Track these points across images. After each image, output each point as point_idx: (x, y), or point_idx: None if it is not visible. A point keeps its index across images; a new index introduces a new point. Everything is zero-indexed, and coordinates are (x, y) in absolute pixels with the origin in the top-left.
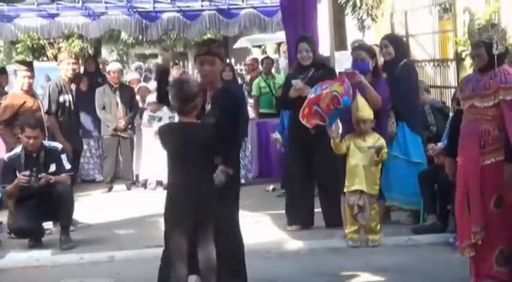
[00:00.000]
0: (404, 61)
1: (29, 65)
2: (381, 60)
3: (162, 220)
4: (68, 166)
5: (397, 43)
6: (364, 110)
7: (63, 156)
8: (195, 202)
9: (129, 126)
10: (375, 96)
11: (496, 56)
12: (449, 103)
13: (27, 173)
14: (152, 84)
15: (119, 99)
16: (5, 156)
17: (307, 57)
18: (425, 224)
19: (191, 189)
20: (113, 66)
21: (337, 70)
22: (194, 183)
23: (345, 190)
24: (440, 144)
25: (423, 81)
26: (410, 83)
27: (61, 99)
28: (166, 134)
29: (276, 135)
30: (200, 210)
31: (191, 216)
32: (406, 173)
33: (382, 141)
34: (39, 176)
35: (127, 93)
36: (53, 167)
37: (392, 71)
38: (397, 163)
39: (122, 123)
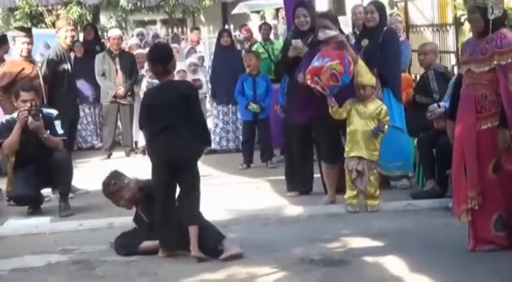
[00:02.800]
0: (386, 27)
1: (28, 31)
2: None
3: None
4: (60, 131)
5: (382, 10)
6: (364, 76)
7: (57, 123)
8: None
9: (129, 93)
10: (354, 56)
11: (491, 21)
12: (450, 68)
13: (26, 107)
14: None
15: (118, 66)
16: (3, 118)
17: (305, 22)
18: (425, 189)
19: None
20: (112, 33)
21: None
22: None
23: (345, 155)
24: (440, 109)
25: (436, 43)
26: (395, 49)
27: (60, 67)
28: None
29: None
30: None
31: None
32: (388, 138)
33: (384, 109)
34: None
35: (127, 60)
36: (46, 133)
37: (374, 38)
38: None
39: (121, 90)
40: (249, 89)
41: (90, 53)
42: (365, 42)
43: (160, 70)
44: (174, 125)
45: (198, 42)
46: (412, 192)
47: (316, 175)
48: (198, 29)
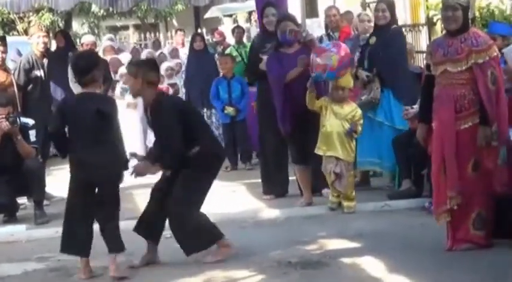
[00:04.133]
0: (394, 26)
1: (2, 40)
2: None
3: (136, 192)
4: (32, 139)
5: (392, 8)
6: (344, 78)
7: (32, 132)
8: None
9: None
10: None
11: (470, 20)
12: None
13: (3, 116)
14: (124, 56)
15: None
16: None
17: (274, 21)
18: (401, 189)
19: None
20: (86, 39)
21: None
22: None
23: (320, 153)
24: (414, 109)
25: (411, 44)
26: (398, 49)
27: (33, 74)
28: (65, 106)
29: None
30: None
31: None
32: (388, 139)
33: (358, 113)
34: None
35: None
36: (20, 136)
37: (382, 35)
38: (381, 129)
39: None
40: (224, 92)
41: (62, 59)
42: (373, 40)
43: (79, 80)
44: (87, 140)
45: (183, 44)
46: (389, 193)
47: (292, 177)
48: (182, 30)
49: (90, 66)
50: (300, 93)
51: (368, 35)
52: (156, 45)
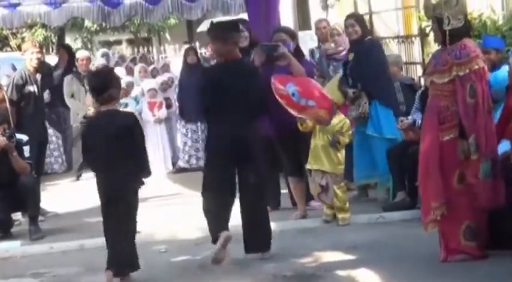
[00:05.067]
0: (368, 38)
1: None
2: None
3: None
4: (26, 155)
5: (362, 22)
6: (331, 91)
7: (26, 148)
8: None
9: None
10: (299, 69)
11: (447, 32)
12: (416, 79)
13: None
14: (119, 71)
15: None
16: None
17: (243, 37)
18: (395, 201)
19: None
20: (81, 54)
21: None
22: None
23: (308, 167)
24: (408, 120)
25: (399, 55)
26: (376, 59)
27: (26, 89)
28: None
29: None
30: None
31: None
32: (381, 150)
33: (346, 123)
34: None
35: None
36: (15, 152)
37: (358, 50)
38: (372, 141)
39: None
40: None
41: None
42: (351, 56)
43: (96, 99)
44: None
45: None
46: (383, 204)
47: (284, 191)
48: (188, 42)
49: (107, 84)
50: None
51: (328, 43)
52: (143, 59)
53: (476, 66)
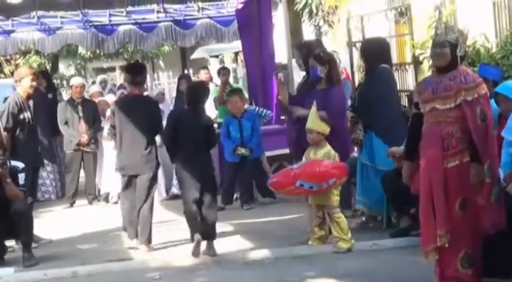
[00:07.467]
0: (382, 66)
1: None
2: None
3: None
4: (21, 182)
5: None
6: (311, 122)
7: (21, 176)
8: None
9: (92, 141)
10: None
11: (459, 58)
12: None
13: None
14: (111, 98)
15: (81, 114)
16: None
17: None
18: (402, 226)
19: None
20: (75, 81)
21: (295, 77)
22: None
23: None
24: (402, 148)
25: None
26: (380, 89)
27: (21, 116)
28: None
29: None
30: None
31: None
32: (373, 179)
33: (332, 153)
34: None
35: (89, 107)
36: (9, 179)
37: (368, 76)
38: (365, 169)
39: (84, 138)
40: (236, 132)
41: (43, 101)
42: (362, 80)
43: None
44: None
45: (211, 79)
46: (391, 231)
47: (280, 217)
48: (205, 68)
49: (202, 95)
50: None
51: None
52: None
53: (483, 91)
